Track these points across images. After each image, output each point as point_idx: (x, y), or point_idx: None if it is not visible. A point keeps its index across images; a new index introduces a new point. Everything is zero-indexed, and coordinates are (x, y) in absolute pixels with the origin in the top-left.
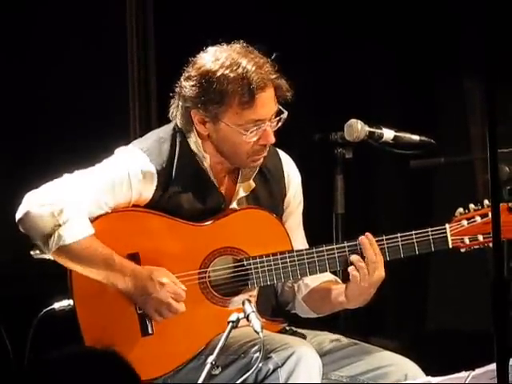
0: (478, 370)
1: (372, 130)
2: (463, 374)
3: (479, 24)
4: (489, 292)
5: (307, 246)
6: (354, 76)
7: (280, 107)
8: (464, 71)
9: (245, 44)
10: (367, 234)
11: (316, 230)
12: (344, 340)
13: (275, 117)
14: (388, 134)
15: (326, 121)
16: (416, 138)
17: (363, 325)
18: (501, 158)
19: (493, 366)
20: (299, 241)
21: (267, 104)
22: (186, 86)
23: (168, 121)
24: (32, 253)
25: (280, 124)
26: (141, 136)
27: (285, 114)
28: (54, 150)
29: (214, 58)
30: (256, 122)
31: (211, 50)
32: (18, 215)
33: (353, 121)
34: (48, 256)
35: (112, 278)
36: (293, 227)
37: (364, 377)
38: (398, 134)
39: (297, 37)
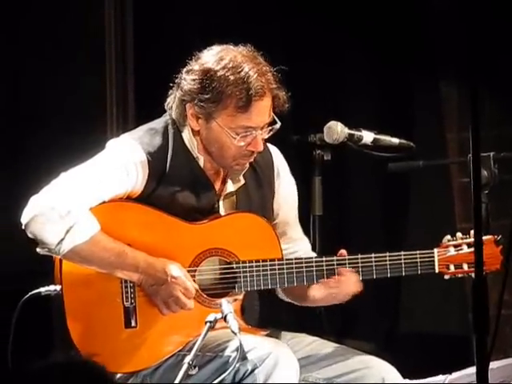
0: (455, 374)
1: (352, 132)
2: (440, 377)
3: (458, 27)
4: (465, 293)
5: (306, 241)
6: (333, 78)
7: (275, 117)
8: (441, 75)
9: (252, 48)
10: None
11: None
12: (321, 342)
13: (268, 126)
14: (367, 136)
15: (304, 122)
16: (395, 140)
17: (339, 327)
18: None
19: (470, 370)
20: (299, 235)
21: (262, 112)
22: (187, 78)
23: (144, 120)
24: (38, 250)
25: (271, 133)
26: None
27: (277, 125)
28: (35, 151)
29: (218, 57)
30: (248, 129)
31: (217, 48)
32: (25, 221)
33: (332, 123)
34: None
35: (126, 270)
36: (290, 221)
37: (341, 379)
38: (377, 136)
39: (275, 37)
